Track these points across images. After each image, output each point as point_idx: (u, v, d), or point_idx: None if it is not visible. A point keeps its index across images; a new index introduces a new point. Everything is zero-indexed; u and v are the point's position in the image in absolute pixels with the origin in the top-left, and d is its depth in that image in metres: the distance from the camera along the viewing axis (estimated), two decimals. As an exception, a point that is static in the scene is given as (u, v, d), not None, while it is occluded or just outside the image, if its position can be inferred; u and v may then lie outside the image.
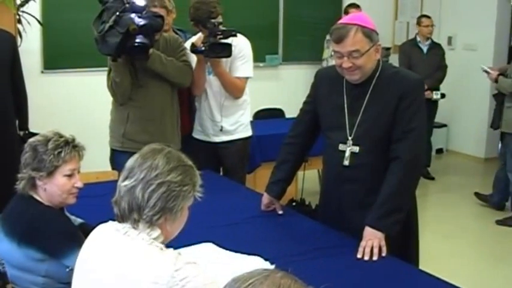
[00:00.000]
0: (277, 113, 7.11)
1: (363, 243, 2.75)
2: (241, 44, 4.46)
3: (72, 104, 6.68)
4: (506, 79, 5.98)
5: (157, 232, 1.94)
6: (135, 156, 1.99)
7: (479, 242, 5.83)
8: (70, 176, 2.56)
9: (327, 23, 7.91)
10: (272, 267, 2.43)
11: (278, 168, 3.32)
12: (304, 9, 8.18)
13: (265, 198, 3.30)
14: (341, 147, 2.99)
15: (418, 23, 7.62)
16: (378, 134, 2.92)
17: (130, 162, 1.99)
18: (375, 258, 2.70)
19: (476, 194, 6.65)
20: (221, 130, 4.52)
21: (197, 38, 4.34)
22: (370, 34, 2.84)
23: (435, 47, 7.57)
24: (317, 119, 3.17)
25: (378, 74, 2.95)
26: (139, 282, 1.82)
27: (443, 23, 8.65)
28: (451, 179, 7.64)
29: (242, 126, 4.61)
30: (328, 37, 7.20)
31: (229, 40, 4.22)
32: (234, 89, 4.48)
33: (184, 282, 1.81)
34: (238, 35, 4.39)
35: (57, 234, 2.49)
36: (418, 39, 7.55)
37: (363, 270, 2.63)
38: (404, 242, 2.97)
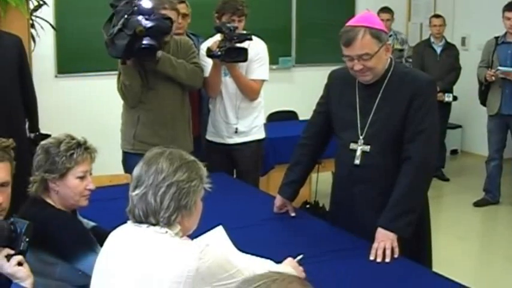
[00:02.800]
0: (290, 115, 7.10)
1: (375, 245, 2.74)
2: (258, 47, 4.48)
3: (86, 108, 6.70)
4: None
5: (177, 228, 2.02)
6: (140, 164, 2.06)
7: (493, 243, 5.79)
8: (82, 178, 2.57)
9: (339, 25, 7.86)
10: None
11: (291, 170, 3.32)
12: (317, 11, 8.16)
13: (278, 200, 3.30)
14: (352, 146, 2.99)
15: (429, 23, 7.61)
16: (389, 134, 2.91)
17: (136, 171, 2.05)
18: (387, 260, 2.69)
19: (475, 204, 6.58)
20: (236, 132, 4.52)
21: (213, 42, 4.34)
22: (378, 35, 2.83)
23: (449, 47, 7.51)
24: (330, 120, 3.17)
25: (390, 73, 2.95)
26: (165, 270, 1.87)
27: (457, 24, 8.61)
28: (466, 180, 7.58)
29: (256, 128, 4.62)
30: None
31: (245, 43, 4.24)
32: (249, 92, 4.49)
33: (209, 263, 1.90)
34: (255, 38, 4.42)
35: (70, 238, 2.50)
36: (432, 39, 7.51)
37: (376, 272, 2.62)
38: (417, 243, 2.95)
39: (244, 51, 4.23)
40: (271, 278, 1.32)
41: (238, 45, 4.21)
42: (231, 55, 4.21)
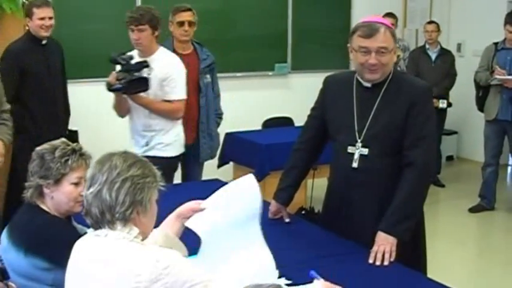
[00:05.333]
0: (286, 122, 7.07)
1: (374, 248, 2.75)
2: (165, 69, 4.32)
3: (82, 114, 6.67)
4: None
5: (135, 230, 2.00)
6: (93, 165, 2.08)
7: (489, 249, 5.80)
8: (77, 184, 2.57)
9: (335, 32, 7.94)
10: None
11: (286, 175, 3.32)
12: (313, 18, 8.16)
13: (273, 206, 3.29)
14: (350, 149, 2.99)
15: (423, 29, 7.64)
16: (387, 139, 2.92)
17: (90, 171, 2.07)
18: (386, 263, 2.70)
19: (471, 210, 6.57)
20: (147, 145, 4.44)
21: (111, 76, 4.19)
22: (394, 35, 2.91)
23: (444, 54, 7.52)
24: (325, 125, 3.17)
25: (390, 78, 2.96)
26: (123, 277, 1.87)
27: (453, 30, 8.63)
28: (462, 186, 7.58)
29: (162, 145, 4.46)
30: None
31: (145, 72, 4.14)
32: (166, 114, 4.39)
33: (168, 270, 1.88)
34: (164, 55, 4.33)
35: (64, 244, 2.47)
36: (427, 46, 7.53)
37: (371, 278, 2.62)
38: (412, 249, 2.96)
39: (145, 80, 4.13)
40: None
41: (137, 74, 4.10)
42: (133, 86, 4.12)
